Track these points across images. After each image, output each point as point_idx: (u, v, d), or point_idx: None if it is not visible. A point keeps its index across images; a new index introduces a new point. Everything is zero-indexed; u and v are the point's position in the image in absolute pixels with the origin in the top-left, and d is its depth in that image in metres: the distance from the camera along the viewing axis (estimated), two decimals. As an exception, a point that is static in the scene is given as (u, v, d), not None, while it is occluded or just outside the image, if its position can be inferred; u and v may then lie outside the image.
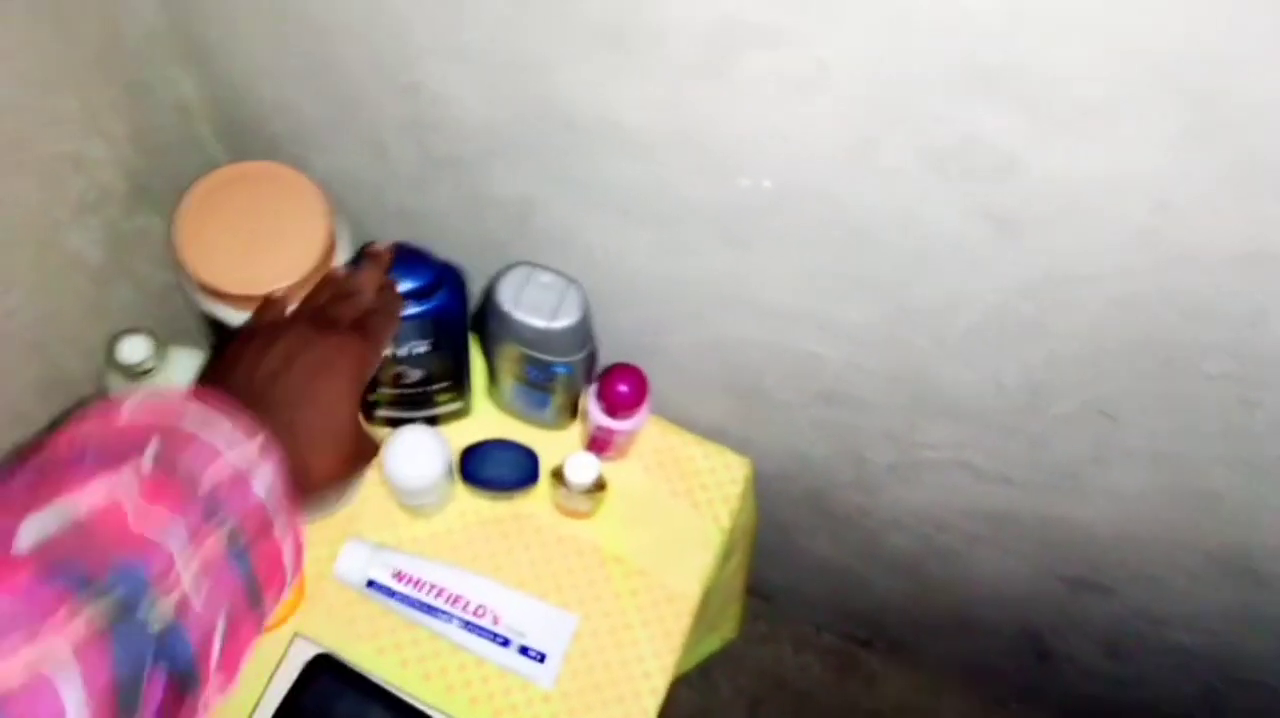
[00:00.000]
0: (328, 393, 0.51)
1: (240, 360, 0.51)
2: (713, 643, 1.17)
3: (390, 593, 0.82)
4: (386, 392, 0.81)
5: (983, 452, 0.76)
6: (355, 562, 0.82)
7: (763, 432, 0.89)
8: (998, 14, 0.40)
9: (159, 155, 0.75)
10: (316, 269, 0.67)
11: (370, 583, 0.82)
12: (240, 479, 0.40)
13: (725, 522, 0.89)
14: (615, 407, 0.78)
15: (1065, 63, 0.41)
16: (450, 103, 0.63)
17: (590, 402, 0.80)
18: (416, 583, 0.82)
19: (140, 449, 0.38)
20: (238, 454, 0.40)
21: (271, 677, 0.79)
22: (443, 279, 0.68)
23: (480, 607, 0.82)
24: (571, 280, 0.70)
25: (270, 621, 0.43)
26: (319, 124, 0.73)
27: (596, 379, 0.79)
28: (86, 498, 0.35)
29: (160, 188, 0.76)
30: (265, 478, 0.41)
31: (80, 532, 0.34)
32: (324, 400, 0.50)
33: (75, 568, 0.33)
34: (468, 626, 0.82)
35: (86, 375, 0.77)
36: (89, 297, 0.75)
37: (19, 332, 0.69)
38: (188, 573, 0.36)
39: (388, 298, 0.63)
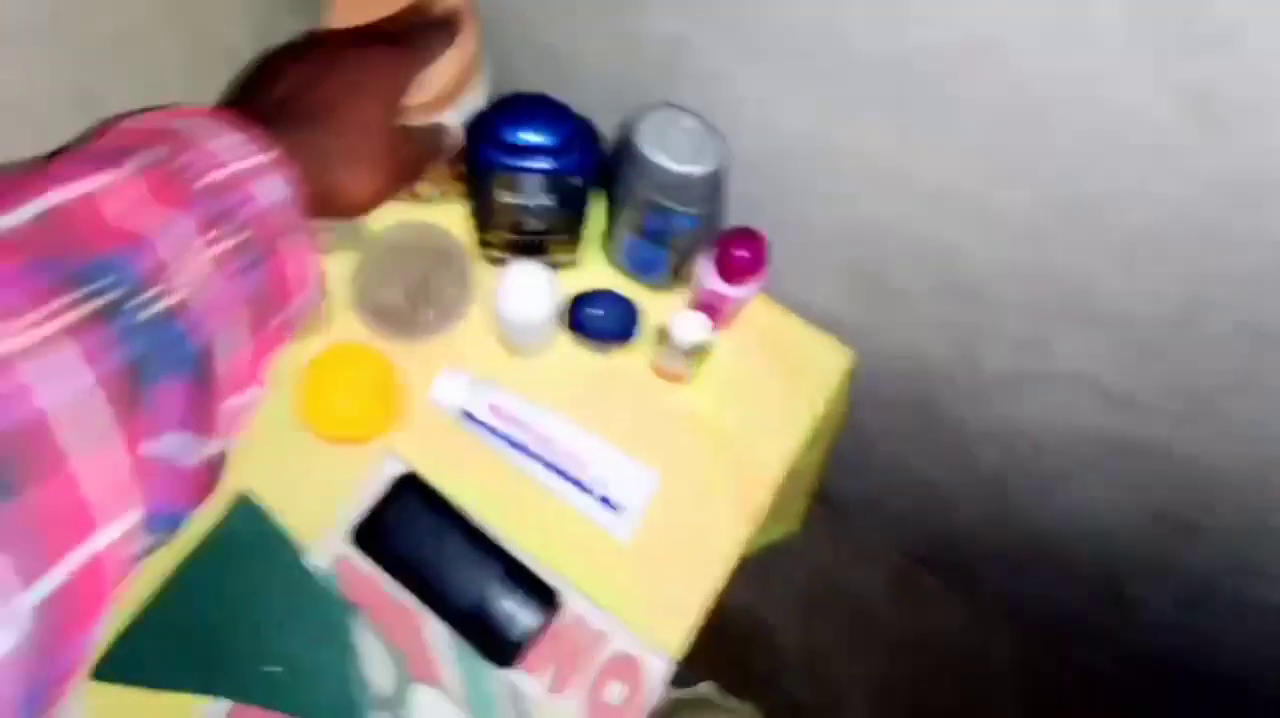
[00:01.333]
0: (359, 107, 0.48)
1: (266, 77, 0.49)
2: (774, 532, 1.17)
3: (484, 425, 0.83)
4: (503, 234, 0.80)
5: (1116, 368, 0.72)
6: (453, 390, 0.83)
7: (877, 325, 0.87)
8: None
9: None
10: (451, 85, 0.65)
11: (465, 413, 0.83)
12: (246, 188, 0.38)
13: (819, 407, 0.88)
14: (731, 271, 0.76)
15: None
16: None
17: (705, 264, 0.78)
18: (510, 419, 0.83)
19: (138, 151, 0.37)
20: (246, 164, 0.39)
21: (361, 487, 0.81)
22: (577, 136, 0.67)
23: (568, 452, 0.83)
24: (714, 129, 0.67)
25: (288, 335, 0.43)
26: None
27: (715, 242, 0.77)
28: (72, 190, 0.34)
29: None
30: (276, 189, 0.40)
31: (60, 222, 0.33)
32: (355, 115, 0.48)
33: (60, 260, 0.32)
34: (553, 468, 0.82)
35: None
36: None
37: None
38: (184, 274, 0.35)
39: (451, 12, 0.59)
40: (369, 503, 0.81)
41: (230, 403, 0.38)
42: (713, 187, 0.69)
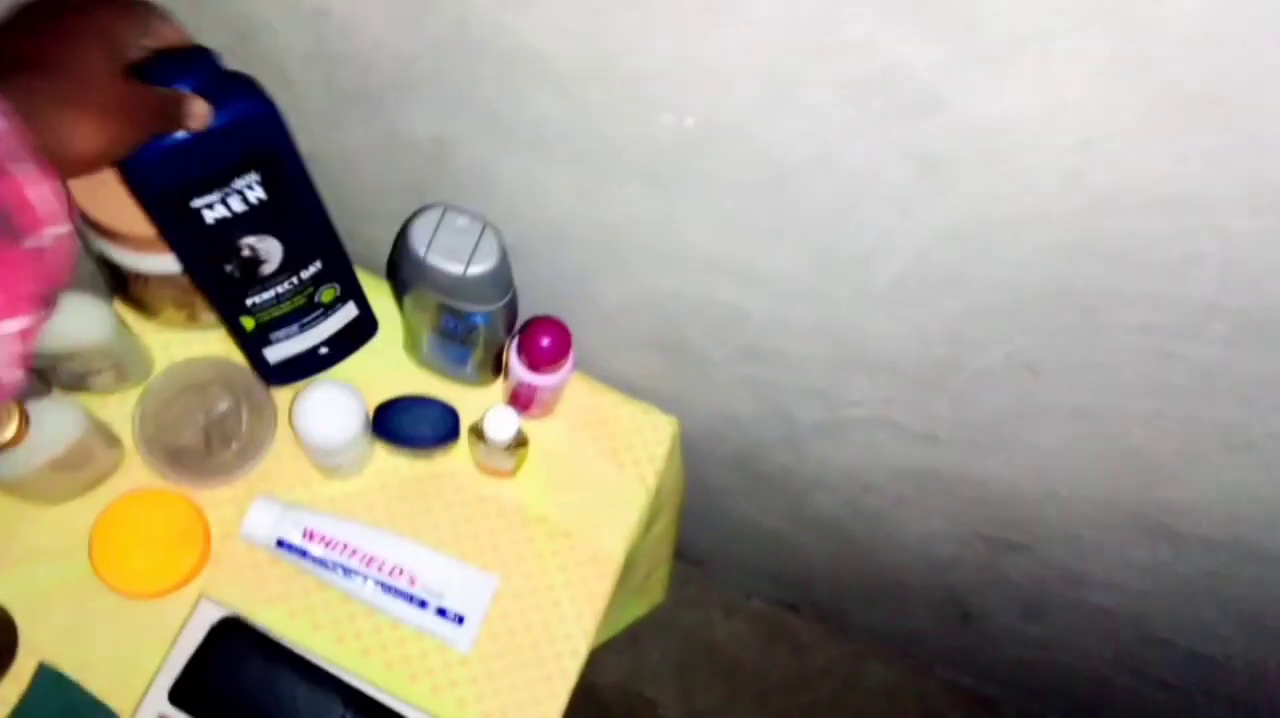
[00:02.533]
0: (78, 52, 0.46)
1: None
2: (639, 608, 1.16)
3: (302, 553, 0.79)
4: (257, 302, 0.72)
5: (907, 408, 0.75)
6: (265, 520, 0.79)
7: (689, 390, 0.88)
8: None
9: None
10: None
11: (280, 543, 0.79)
12: None
13: (651, 482, 0.88)
14: (537, 361, 0.75)
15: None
16: (358, 31, 0.59)
17: (512, 356, 0.77)
18: (329, 542, 0.79)
19: None
20: None
21: (176, 640, 0.75)
22: (233, 78, 0.56)
23: (396, 567, 0.80)
24: (488, 223, 0.67)
25: (48, 267, 0.41)
26: (219, 52, 0.68)
27: (517, 333, 0.76)
28: None
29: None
30: None
31: None
32: (74, 61, 0.46)
33: None
34: (383, 586, 0.79)
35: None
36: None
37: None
38: None
39: None
40: (186, 656, 0.75)
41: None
42: (500, 281, 0.69)
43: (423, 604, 0.79)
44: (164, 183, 0.59)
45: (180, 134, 0.54)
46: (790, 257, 0.62)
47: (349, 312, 0.80)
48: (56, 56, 0.45)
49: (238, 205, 0.62)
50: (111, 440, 0.79)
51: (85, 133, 0.45)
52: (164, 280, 0.74)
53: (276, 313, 0.74)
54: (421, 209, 0.67)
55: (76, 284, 0.72)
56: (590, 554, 0.84)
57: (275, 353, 0.79)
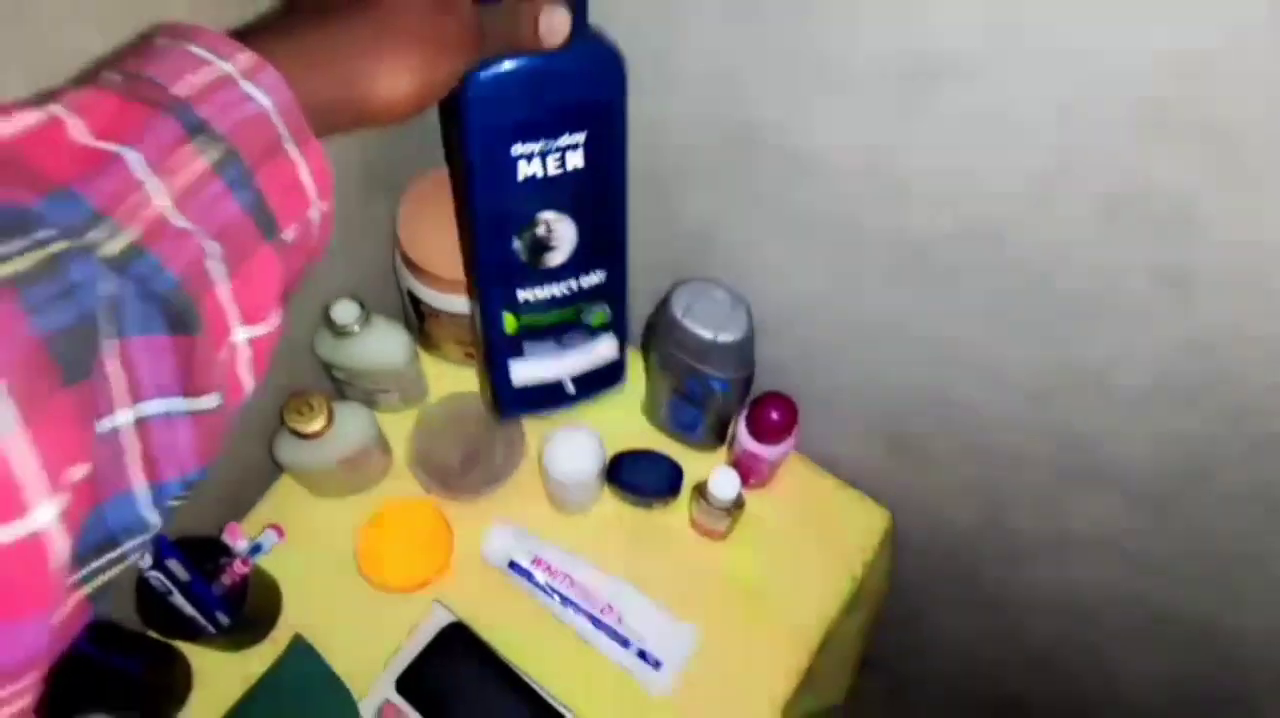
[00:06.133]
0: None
1: None
2: (818, 703, 1.15)
3: (528, 577, 0.87)
4: (528, 297, 0.68)
5: (1135, 532, 0.74)
6: (502, 543, 0.88)
7: (908, 485, 0.90)
8: (1189, 60, 0.42)
9: (392, 147, 0.84)
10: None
11: (511, 564, 0.87)
12: (229, 89, 0.33)
13: (858, 570, 0.89)
14: (764, 432, 0.80)
15: (1251, 115, 0.42)
16: (661, 126, 0.68)
17: (740, 426, 0.83)
18: (553, 572, 0.87)
19: (103, 71, 0.33)
20: (220, 72, 0.33)
21: (409, 635, 0.84)
22: (602, 59, 0.53)
23: (608, 605, 0.86)
24: (741, 298, 0.74)
25: (302, 258, 0.37)
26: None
27: (749, 404, 0.82)
28: (18, 121, 0.29)
29: (391, 178, 0.85)
30: (265, 90, 0.34)
31: (6, 155, 0.28)
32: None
33: None
34: (593, 620, 0.85)
35: (302, 337, 0.87)
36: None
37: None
38: (159, 196, 0.31)
39: None
40: (416, 651, 0.84)
41: (239, 334, 0.34)
42: (743, 352, 0.75)
43: (626, 643, 0.85)
44: (491, 117, 0.53)
45: (523, 57, 0.48)
46: (1031, 358, 0.64)
47: (609, 347, 0.76)
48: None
49: (554, 167, 0.57)
50: (386, 449, 0.91)
51: (402, 72, 0.39)
52: (453, 318, 0.86)
53: (543, 320, 0.70)
54: (684, 279, 0.75)
55: (385, 310, 0.85)
56: (789, 626, 0.86)
57: (522, 370, 0.74)
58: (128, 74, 0.32)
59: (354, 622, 0.86)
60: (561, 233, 0.63)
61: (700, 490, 0.83)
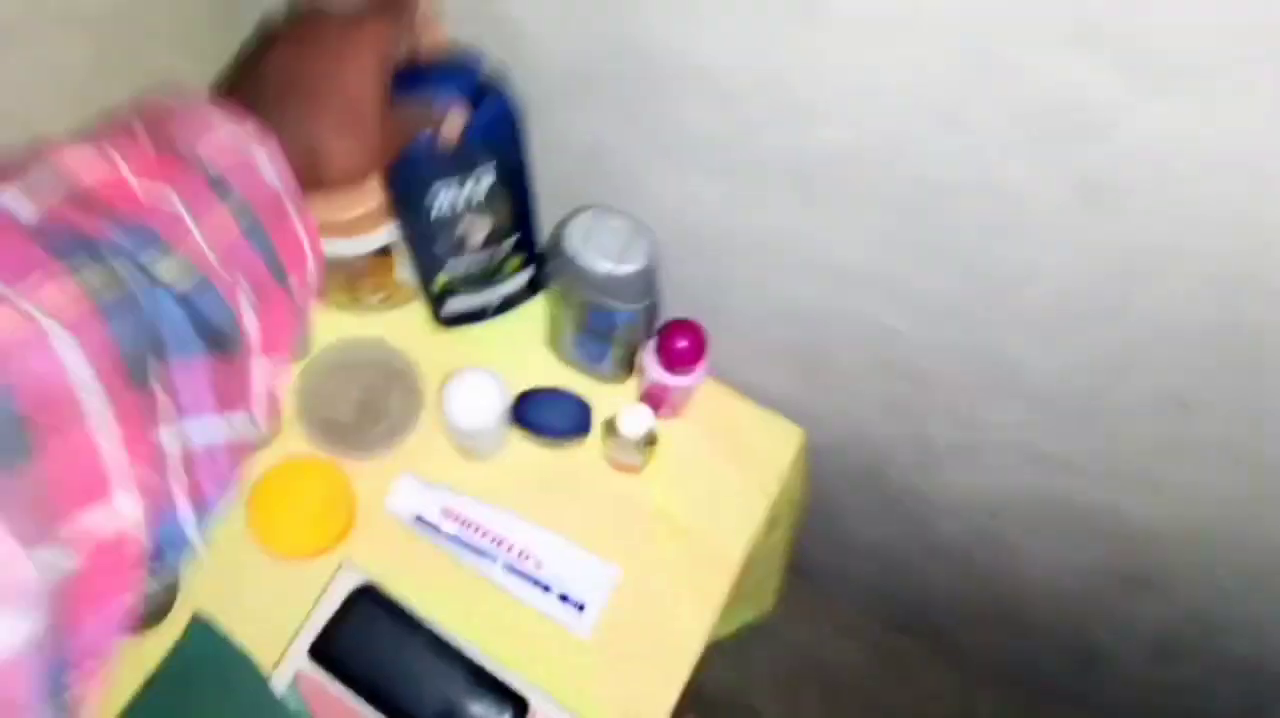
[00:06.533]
0: (345, 77, 0.46)
1: (257, 55, 0.47)
2: (747, 614, 1.17)
3: (437, 530, 0.83)
4: (453, 269, 0.78)
5: (1050, 435, 0.74)
6: (407, 497, 0.83)
7: (822, 403, 0.88)
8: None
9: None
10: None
11: (419, 519, 0.83)
12: (241, 158, 0.38)
13: (773, 489, 0.88)
14: (673, 362, 0.77)
15: (1173, 19, 0.39)
16: (532, 38, 0.62)
17: (648, 356, 0.80)
18: (464, 522, 0.83)
19: (126, 127, 0.37)
20: (232, 137, 0.39)
21: (318, 600, 0.80)
22: (491, 84, 0.60)
23: (524, 551, 0.83)
24: (641, 225, 0.69)
25: (304, 304, 0.42)
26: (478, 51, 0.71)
27: (656, 333, 0.78)
28: (73, 158, 0.34)
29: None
30: (266, 159, 0.39)
31: (71, 189, 0.33)
32: (342, 85, 0.46)
33: (70, 230, 0.32)
34: (511, 568, 0.82)
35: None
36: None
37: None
38: (198, 236, 0.35)
39: None
40: (327, 616, 0.80)
41: (261, 365, 0.38)
42: (646, 282, 0.71)
43: (546, 589, 0.82)
44: (410, 181, 0.65)
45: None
46: (942, 276, 0.62)
47: (524, 277, 0.85)
48: (329, 77, 0.45)
49: (468, 191, 0.66)
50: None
51: (351, 153, 0.46)
52: (334, 263, 0.79)
53: (468, 278, 0.80)
54: (579, 209, 0.70)
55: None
56: (709, 554, 0.85)
57: (452, 306, 0.85)
58: (154, 129, 0.37)
59: (256, 593, 0.82)
60: (480, 225, 0.73)
61: (611, 428, 0.79)
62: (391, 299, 0.88)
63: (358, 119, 0.46)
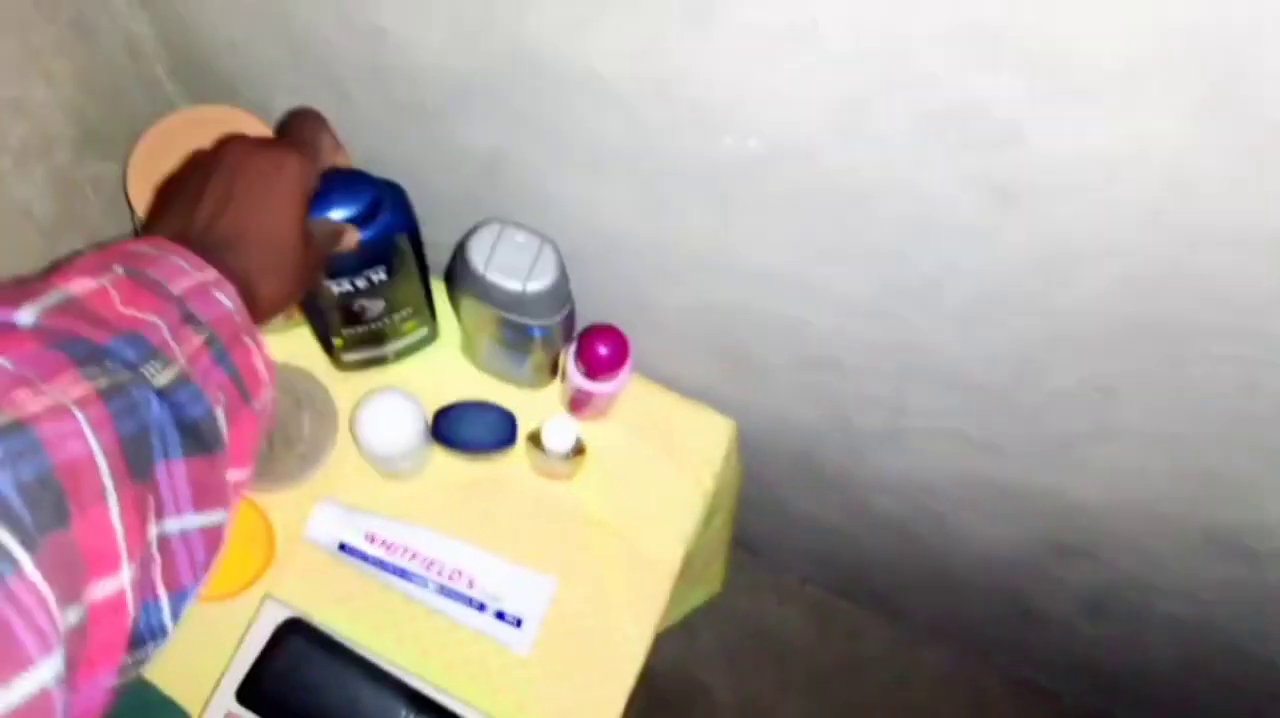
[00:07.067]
0: (270, 218, 0.50)
1: (182, 197, 0.50)
2: (697, 597, 1.16)
3: (363, 556, 0.80)
4: (350, 333, 0.78)
5: (974, 422, 0.73)
6: (327, 524, 0.80)
7: (748, 394, 0.87)
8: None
9: (110, 98, 0.71)
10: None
11: (342, 546, 0.80)
12: (206, 293, 0.43)
13: (708, 484, 0.87)
14: (595, 369, 0.75)
15: (1075, 27, 0.37)
16: (414, 48, 0.58)
17: (569, 362, 0.77)
18: (390, 546, 0.80)
19: (110, 267, 0.41)
20: (199, 278, 0.43)
21: (242, 639, 0.77)
22: (383, 198, 0.62)
23: (456, 570, 0.80)
24: (546, 239, 0.66)
25: (263, 422, 0.46)
26: (277, 65, 0.68)
27: (575, 339, 0.76)
28: (74, 287, 0.38)
29: (113, 133, 0.72)
30: (225, 299, 0.44)
31: (78, 308, 0.37)
32: (268, 227, 0.50)
33: (77, 339, 0.35)
34: (443, 589, 0.80)
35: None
36: (39, 249, 0.71)
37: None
38: (179, 353, 0.39)
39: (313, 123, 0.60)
40: (253, 655, 0.77)
41: (230, 475, 0.41)
42: (558, 296, 0.69)
43: (481, 607, 0.80)
44: None
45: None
46: (855, 276, 0.61)
47: (421, 332, 0.85)
48: (260, 229, 0.49)
49: (362, 284, 0.68)
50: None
51: (282, 290, 0.50)
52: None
53: (364, 336, 0.79)
54: (480, 224, 0.66)
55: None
56: (647, 557, 0.84)
57: (350, 357, 0.83)
58: (131, 268, 0.41)
59: (178, 636, 0.78)
60: (374, 305, 0.73)
61: (536, 440, 0.77)
62: (295, 317, 0.84)
63: (286, 259, 0.50)
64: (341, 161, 0.57)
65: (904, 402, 0.75)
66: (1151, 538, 0.79)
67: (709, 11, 0.45)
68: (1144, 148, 0.41)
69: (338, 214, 0.58)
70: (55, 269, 0.41)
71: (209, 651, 0.78)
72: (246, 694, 0.76)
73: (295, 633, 0.78)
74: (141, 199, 0.69)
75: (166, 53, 0.73)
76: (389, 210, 0.63)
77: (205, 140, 0.66)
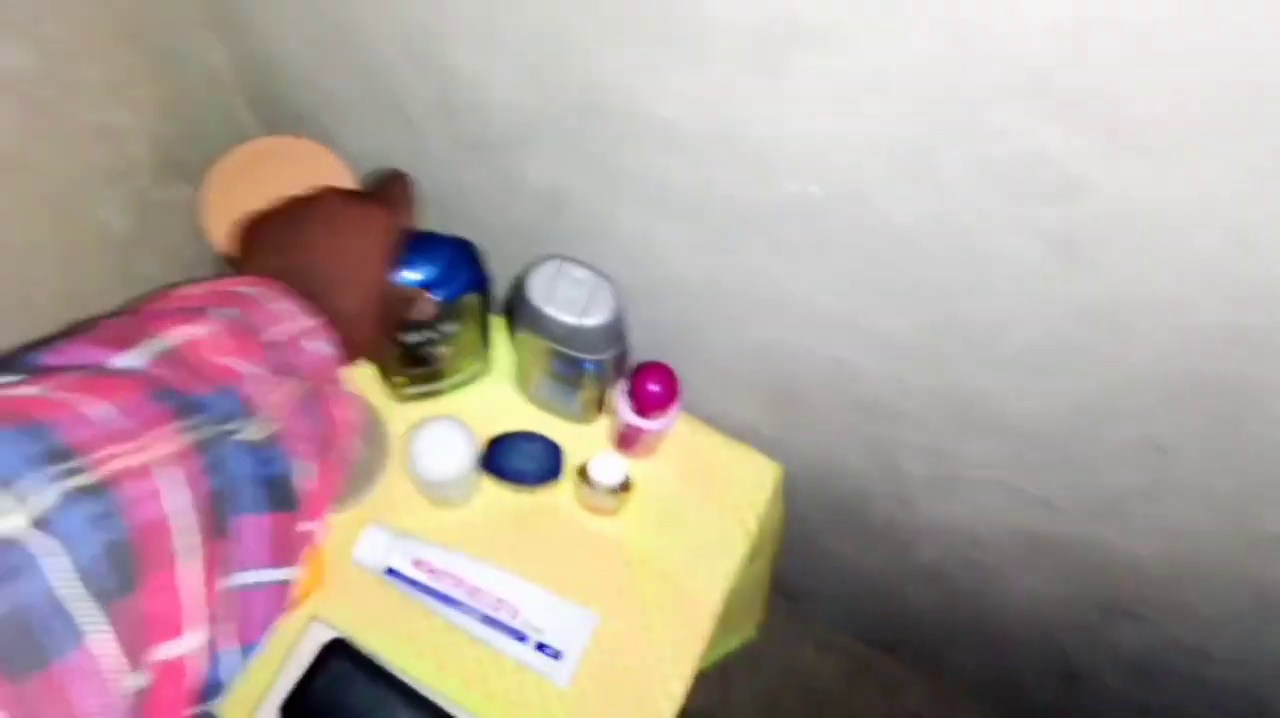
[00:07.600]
0: (362, 271, 0.52)
1: (276, 237, 0.53)
2: (733, 641, 1.16)
3: (409, 581, 0.81)
4: (410, 373, 0.80)
5: (1025, 474, 0.73)
6: (375, 548, 0.81)
7: (796, 437, 0.87)
8: (1067, 32, 0.37)
9: (189, 125, 0.74)
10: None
11: (390, 571, 0.81)
12: (303, 341, 0.44)
13: (752, 527, 0.87)
14: (645, 406, 0.76)
15: (1140, 83, 0.38)
16: (483, 86, 0.61)
17: (620, 399, 0.78)
18: (436, 572, 0.81)
19: (208, 311, 0.42)
20: (298, 326, 0.45)
21: (287, 658, 0.78)
22: (458, 259, 0.66)
23: (499, 600, 0.81)
24: (604, 277, 0.68)
25: (345, 472, 0.47)
26: (348, 100, 0.71)
27: (627, 376, 0.77)
28: (175, 335, 0.39)
29: (190, 159, 0.75)
30: (322, 348, 0.46)
31: (179, 357, 0.38)
32: (358, 279, 0.52)
33: (178, 390, 0.36)
34: (486, 618, 0.81)
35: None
36: (114, 267, 0.74)
37: (44, 302, 0.69)
38: (267, 408, 0.40)
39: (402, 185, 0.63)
40: (297, 674, 0.78)
41: (304, 527, 0.42)
42: (612, 332, 0.70)
43: (523, 638, 0.80)
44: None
45: None
46: (911, 322, 0.61)
47: (476, 367, 0.87)
48: (352, 278, 0.51)
49: (434, 336, 0.71)
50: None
51: (368, 337, 0.52)
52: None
53: (424, 376, 0.82)
54: (541, 259, 0.68)
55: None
56: (689, 597, 0.84)
57: (409, 392, 0.85)
58: (229, 311, 0.42)
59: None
60: (439, 353, 0.76)
61: (583, 474, 0.78)
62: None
63: (373, 308, 0.53)
64: (415, 219, 0.60)
65: (954, 450, 0.75)
66: (1202, 601, 0.78)
67: (780, 63, 0.46)
68: (1205, 203, 0.42)
69: (414, 276, 0.62)
70: (154, 302, 0.43)
71: (254, 668, 0.79)
72: (290, 711, 0.77)
73: (339, 655, 0.78)
74: (216, 223, 0.71)
75: (246, 84, 0.77)
76: (463, 270, 0.66)
77: (276, 168, 0.69)
